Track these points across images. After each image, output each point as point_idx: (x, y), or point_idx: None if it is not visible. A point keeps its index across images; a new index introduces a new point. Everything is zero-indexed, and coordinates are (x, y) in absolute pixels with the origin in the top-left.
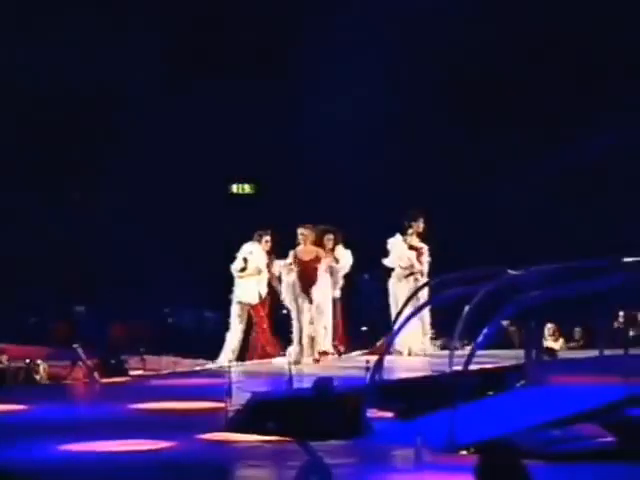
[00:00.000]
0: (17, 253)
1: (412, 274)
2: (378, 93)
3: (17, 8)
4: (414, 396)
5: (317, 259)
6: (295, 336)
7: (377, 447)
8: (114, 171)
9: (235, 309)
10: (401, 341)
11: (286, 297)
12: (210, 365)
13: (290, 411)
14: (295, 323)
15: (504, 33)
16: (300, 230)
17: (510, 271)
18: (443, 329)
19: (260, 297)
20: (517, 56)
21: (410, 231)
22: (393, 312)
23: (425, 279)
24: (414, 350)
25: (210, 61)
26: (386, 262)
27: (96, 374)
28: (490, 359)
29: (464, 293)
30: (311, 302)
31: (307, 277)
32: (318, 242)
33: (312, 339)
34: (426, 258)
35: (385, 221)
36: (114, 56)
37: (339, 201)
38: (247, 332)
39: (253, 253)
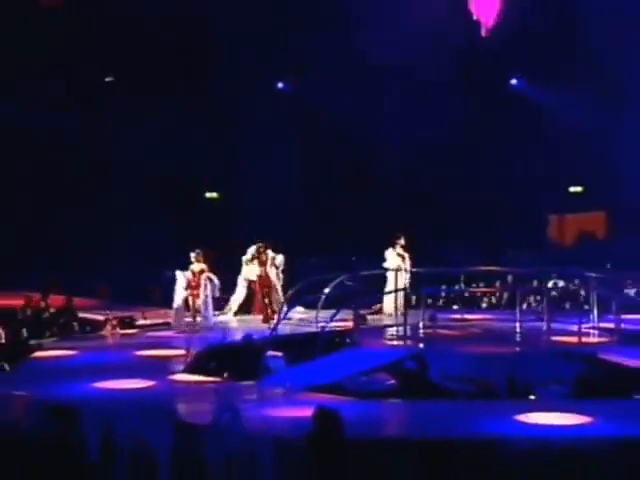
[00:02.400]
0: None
1: (399, 270)
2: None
3: None
4: (297, 347)
5: (202, 271)
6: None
7: (268, 387)
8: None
9: (241, 283)
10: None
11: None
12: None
13: (225, 357)
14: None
15: None
16: (193, 254)
17: None
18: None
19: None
20: None
21: (397, 245)
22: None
23: (408, 274)
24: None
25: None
26: (385, 265)
27: (118, 328)
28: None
29: None
30: (198, 296)
31: (197, 281)
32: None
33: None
34: (408, 261)
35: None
36: None
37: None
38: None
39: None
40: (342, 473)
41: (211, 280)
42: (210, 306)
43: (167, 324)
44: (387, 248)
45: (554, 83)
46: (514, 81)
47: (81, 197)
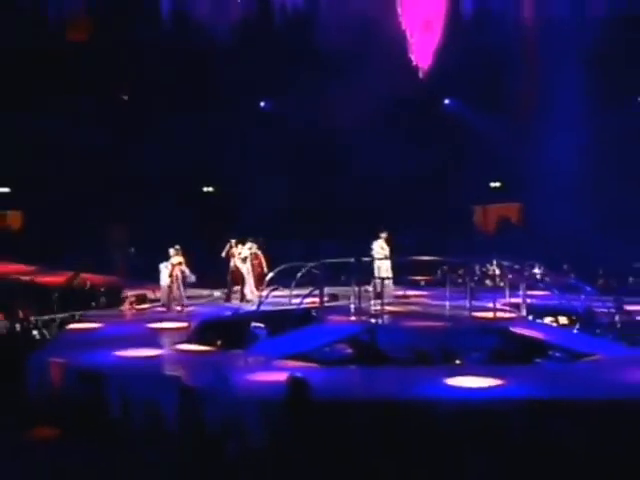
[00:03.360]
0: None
1: (383, 259)
2: None
3: None
4: (276, 320)
5: (179, 263)
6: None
7: (252, 355)
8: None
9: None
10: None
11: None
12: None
13: (218, 328)
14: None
15: None
16: (172, 250)
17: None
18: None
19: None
20: None
21: (380, 237)
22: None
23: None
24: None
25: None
26: (373, 253)
27: (134, 305)
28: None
29: None
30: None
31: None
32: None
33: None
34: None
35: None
36: None
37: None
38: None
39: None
40: (310, 428)
41: (183, 272)
42: (182, 292)
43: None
44: (375, 240)
45: (480, 105)
46: (447, 101)
47: (105, 194)
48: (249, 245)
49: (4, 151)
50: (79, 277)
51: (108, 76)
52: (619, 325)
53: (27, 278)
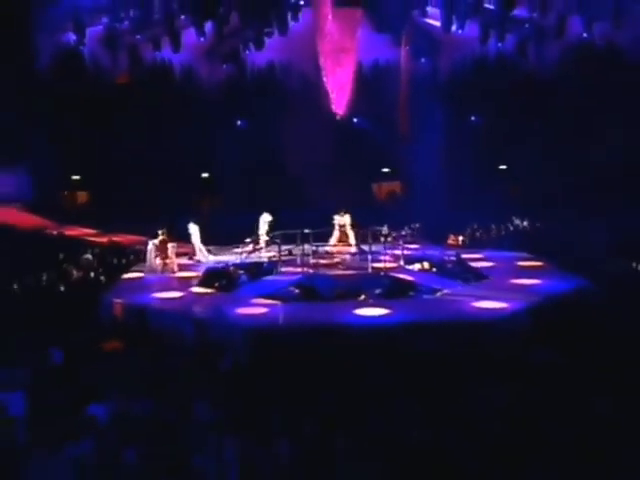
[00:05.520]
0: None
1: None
2: None
3: None
4: (254, 269)
5: (165, 241)
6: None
7: (239, 296)
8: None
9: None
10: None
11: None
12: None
13: (216, 276)
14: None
15: None
16: (160, 231)
17: None
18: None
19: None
20: None
21: (341, 214)
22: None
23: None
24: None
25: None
26: (335, 222)
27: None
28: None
29: None
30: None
31: (161, 248)
32: None
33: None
34: (349, 221)
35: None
36: None
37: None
38: None
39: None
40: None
41: (172, 246)
42: (174, 258)
43: (186, 254)
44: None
45: (376, 121)
46: (355, 120)
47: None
48: (265, 217)
49: (78, 153)
50: (114, 241)
51: (142, 107)
52: (457, 269)
53: (92, 239)
